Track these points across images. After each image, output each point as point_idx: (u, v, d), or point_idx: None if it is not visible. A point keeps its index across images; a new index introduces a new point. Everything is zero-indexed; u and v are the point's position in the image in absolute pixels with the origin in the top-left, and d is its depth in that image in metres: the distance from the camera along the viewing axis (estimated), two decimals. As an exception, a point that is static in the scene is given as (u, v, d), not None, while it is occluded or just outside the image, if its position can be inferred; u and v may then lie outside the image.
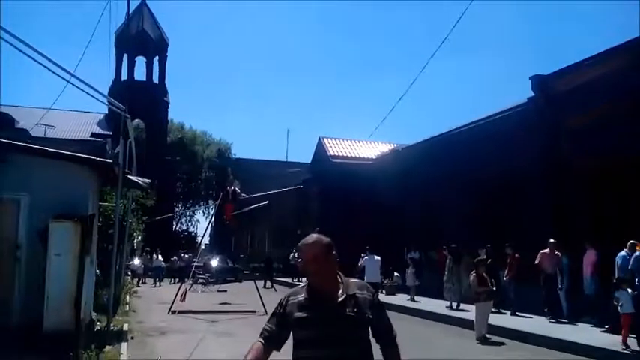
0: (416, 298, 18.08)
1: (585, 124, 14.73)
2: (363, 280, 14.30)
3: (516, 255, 14.95)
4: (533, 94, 16.30)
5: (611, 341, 10.11)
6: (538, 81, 16.08)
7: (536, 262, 13.72)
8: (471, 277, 11.83)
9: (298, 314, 2.75)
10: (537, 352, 10.44)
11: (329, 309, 2.71)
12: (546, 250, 13.82)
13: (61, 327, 8.60)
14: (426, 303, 17.09)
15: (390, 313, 3.00)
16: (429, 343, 11.36)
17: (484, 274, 11.67)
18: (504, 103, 18.71)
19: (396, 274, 20.70)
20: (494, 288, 12.01)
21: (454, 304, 15.64)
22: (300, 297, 2.80)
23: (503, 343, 11.22)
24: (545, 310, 13.43)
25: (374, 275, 14.93)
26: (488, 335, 11.38)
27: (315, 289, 2.79)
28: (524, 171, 16.36)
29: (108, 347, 9.13)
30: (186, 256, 34.97)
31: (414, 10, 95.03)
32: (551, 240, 13.81)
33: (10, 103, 39.62)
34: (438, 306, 16.19)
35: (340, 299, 2.73)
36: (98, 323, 11.07)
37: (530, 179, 16.22)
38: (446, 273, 16.47)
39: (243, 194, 20.47)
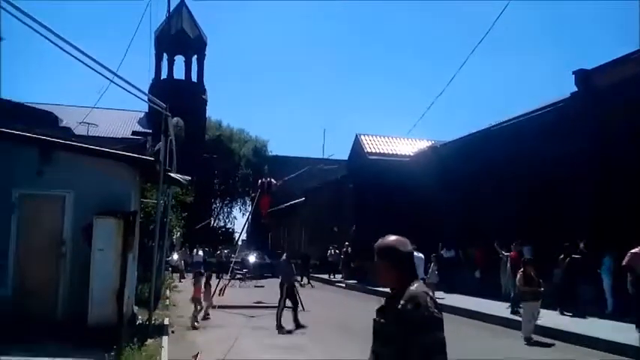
0: (446, 295, 18.05)
1: (630, 119, 14.32)
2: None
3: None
4: (576, 89, 15.93)
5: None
6: (581, 76, 15.72)
7: (624, 263, 12.07)
8: (518, 277, 11.56)
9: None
10: (586, 353, 10.11)
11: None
12: (637, 250, 12.07)
13: (104, 321, 8.81)
14: (461, 300, 16.90)
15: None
16: (470, 342, 11.24)
17: (532, 274, 11.29)
18: (544, 100, 18.32)
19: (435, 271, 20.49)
20: (542, 288, 11.54)
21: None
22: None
23: (551, 345, 10.88)
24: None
25: (420, 273, 14.80)
26: (532, 336, 11.06)
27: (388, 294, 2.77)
28: (567, 168, 16.00)
29: (149, 341, 9.31)
30: (224, 252, 35.42)
31: (452, 6, 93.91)
32: None
33: (54, 102, 40.91)
34: (479, 304, 16.00)
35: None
36: (139, 318, 11.30)
37: (573, 176, 15.84)
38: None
39: (277, 183, 20.36)
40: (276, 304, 12.86)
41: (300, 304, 13.11)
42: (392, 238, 2.88)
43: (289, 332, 11.99)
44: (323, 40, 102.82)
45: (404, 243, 2.83)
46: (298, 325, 12.43)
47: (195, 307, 12.86)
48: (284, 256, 14.41)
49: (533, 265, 11.53)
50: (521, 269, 11.56)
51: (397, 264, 2.74)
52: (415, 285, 2.65)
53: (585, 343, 10.64)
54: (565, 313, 13.67)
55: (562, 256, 14.34)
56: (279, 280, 13.71)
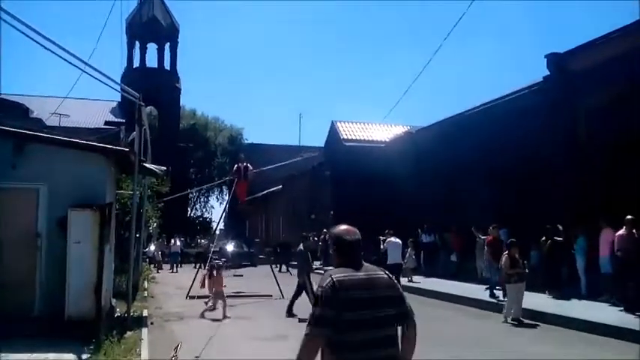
0: (424, 279, 18.33)
1: (602, 102, 14.55)
2: (386, 262, 14.10)
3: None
4: (549, 72, 16.10)
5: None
6: (554, 59, 15.90)
7: (616, 248, 12.03)
8: (503, 259, 11.62)
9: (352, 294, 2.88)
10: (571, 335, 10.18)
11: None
12: (622, 231, 12.00)
13: (82, 314, 8.71)
14: (440, 284, 17.11)
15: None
16: (450, 324, 11.39)
17: (516, 256, 11.39)
18: (520, 84, 18.50)
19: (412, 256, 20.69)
20: (527, 270, 11.66)
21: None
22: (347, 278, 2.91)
23: (537, 326, 10.97)
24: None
25: (397, 258, 14.94)
26: (522, 319, 11.12)
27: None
28: (541, 151, 16.22)
29: (129, 333, 9.25)
30: (201, 241, 35.24)
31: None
32: (629, 217, 11.91)
33: (24, 92, 40.05)
34: (456, 288, 16.22)
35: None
36: (118, 310, 11.21)
37: (547, 159, 16.08)
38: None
39: (254, 170, 20.13)
40: (258, 293, 12.77)
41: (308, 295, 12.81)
42: (341, 227, 3.17)
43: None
44: (297, 26, 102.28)
45: (349, 232, 3.11)
46: (290, 313, 12.34)
47: (216, 301, 12.66)
48: (301, 246, 14.03)
49: (518, 247, 11.60)
50: (506, 252, 11.61)
51: (339, 250, 3.08)
52: (336, 269, 2.99)
53: (570, 324, 10.62)
54: (553, 295, 13.64)
55: (543, 239, 14.43)
56: (297, 269, 13.60)
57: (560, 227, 14.15)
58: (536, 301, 12.55)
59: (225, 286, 13.13)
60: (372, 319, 2.83)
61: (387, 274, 3.03)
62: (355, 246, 3.08)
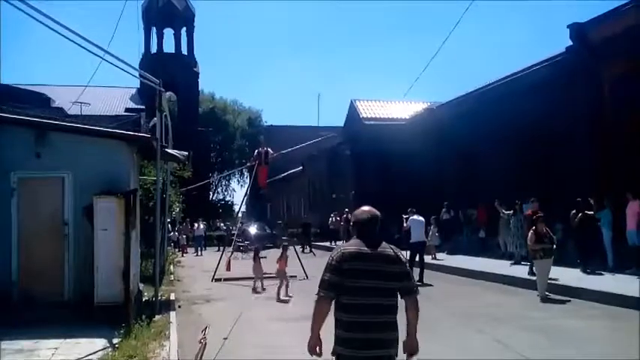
0: (447, 256, 18.37)
1: (627, 72, 14.22)
2: (409, 240, 14.08)
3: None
4: (571, 43, 15.76)
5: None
6: (576, 29, 15.54)
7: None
8: (529, 234, 11.36)
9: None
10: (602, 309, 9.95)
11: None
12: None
13: (111, 300, 8.85)
14: (466, 261, 17.05)
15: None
16: (475, 300, 11.35)
17: (544, 230, 11.08)
18: (541, 56, 18.14)
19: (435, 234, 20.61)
20: (554, 245, 11.26)
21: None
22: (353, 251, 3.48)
23: (567, 301, 10.75)
24: None
25: (420, 236, 14.83)
26: (547, 293, 10.95)
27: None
28: (565, 123, 15.97)
29: (157, 317, 9.39)
30: (223, 225, 35.50)
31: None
32: None
33: (45, 82, 40.48)
34: (477, 263, 16.16)
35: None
36: (145, 294, 11.36)
37: (571, 131, 15.82)
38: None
39: (274, 154, 20.24)
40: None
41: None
42: (361, 208, 3.70)
43: None
44: (315, 4, 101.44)
45: (364, 212, 3.63)
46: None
47: (281, 280, 12.81)
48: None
49: (545, 221, 11.30)
50: (533, 226, 11.35)
51: (354, 227, 3.66)
52: (348, 242, 3.61)
53: (599, 298, 10.43)
54: (587, 270, 13.20)
55: (574, 212, 13.88)
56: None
57: (592, 201, 13.78)
58: (565, 275, 12.42)
59: (287, 266, 13.30)
60: (375, 288, 3.35)
61: (394, 252, 3.47)
62: (367, 224, 3.57)
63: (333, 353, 3.45)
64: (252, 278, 14.38)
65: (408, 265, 3.57)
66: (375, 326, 3.35)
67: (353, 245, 3.47)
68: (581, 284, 11.52)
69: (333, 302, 3.45)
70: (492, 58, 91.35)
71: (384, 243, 3.49)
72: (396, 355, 3.48)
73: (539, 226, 11.14)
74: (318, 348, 3.54)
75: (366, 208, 3.65)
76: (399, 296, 3.50)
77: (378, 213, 3.64)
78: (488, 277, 14.28)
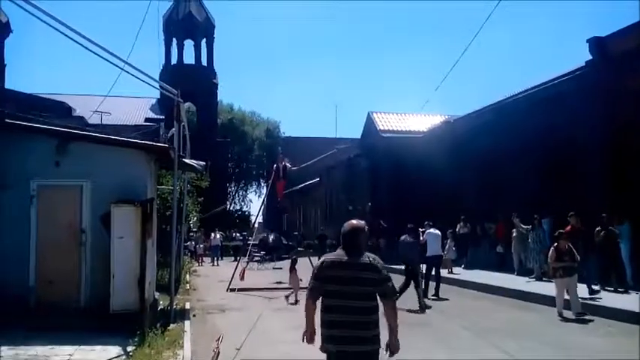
0: (464, 270, 18.36)
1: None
2: (426, 254, 13.96)
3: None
4: (591, 57, 15.66)
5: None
6: (596, 43, 15.44)
7: None
8: (550, 252, 10.95)
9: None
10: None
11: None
12: None
13: (126, 307, 8.90)
14: (482, 276, 16.88)
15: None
16: (489, 315, 11.22)
17: (567, 247, 10.65)
18: (560, 70, 18.03)
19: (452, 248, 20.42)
20: (576, 264, 10.72)
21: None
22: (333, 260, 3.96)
23: (589, 321, 10.32)
24: None
25: (436, 250, 14.67)
26: (581, 312, 10.44)
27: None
28: (584, 137, 15.79)
29: (172, 325, 9.41)
30: (239, 235, 35.59)
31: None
32: None
33: (66, 92, 41.12)
34: (493, 278, 15.99)
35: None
36: (161, 303, 11.40)
37: (591, 145, 15.64)
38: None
39: (293, 167, 20.34)
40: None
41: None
42: (348, 222, 4.09)
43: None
44: (333, 18, 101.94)
45: (349, 225, 4.05)
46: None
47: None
48: (406, 237, 13.24)
49: (567, 239, 10.89)
50: (555, 244, 10.91)
51: (340, 239, 4.05)
52: (332, 252, 4.07)
53: (619, 316, 10.17)
54: (606, 288, 12.80)
55: (598, 229, 13.30)
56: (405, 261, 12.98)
57: (611, 216, 13.28)
58: (583, 292, 11.93)
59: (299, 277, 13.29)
60: (351, 293, 3.78)
61: (371, 261, 3.87)
62: (350, 236, 3.99)
63: (321, 348, 3.92)
64: (267, 289, 14.41)
65: (385, 271, 3.92)
66: (352, 325, 3.77)
67: (334, 255, 3.97)
68: (599, 302, 11.31)
69: (319, 304, 3.93)
70: (511, 70, 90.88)
71: (366, 253, 3.94)
72: (380, 349, 3.89)
73: (561, 243, 10.74)
74: (311, 335, 4.07)
75: (353, 221, 4.08)
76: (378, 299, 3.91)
77: (361, 226, 4.07)
78: (505, 292, 14.07)
